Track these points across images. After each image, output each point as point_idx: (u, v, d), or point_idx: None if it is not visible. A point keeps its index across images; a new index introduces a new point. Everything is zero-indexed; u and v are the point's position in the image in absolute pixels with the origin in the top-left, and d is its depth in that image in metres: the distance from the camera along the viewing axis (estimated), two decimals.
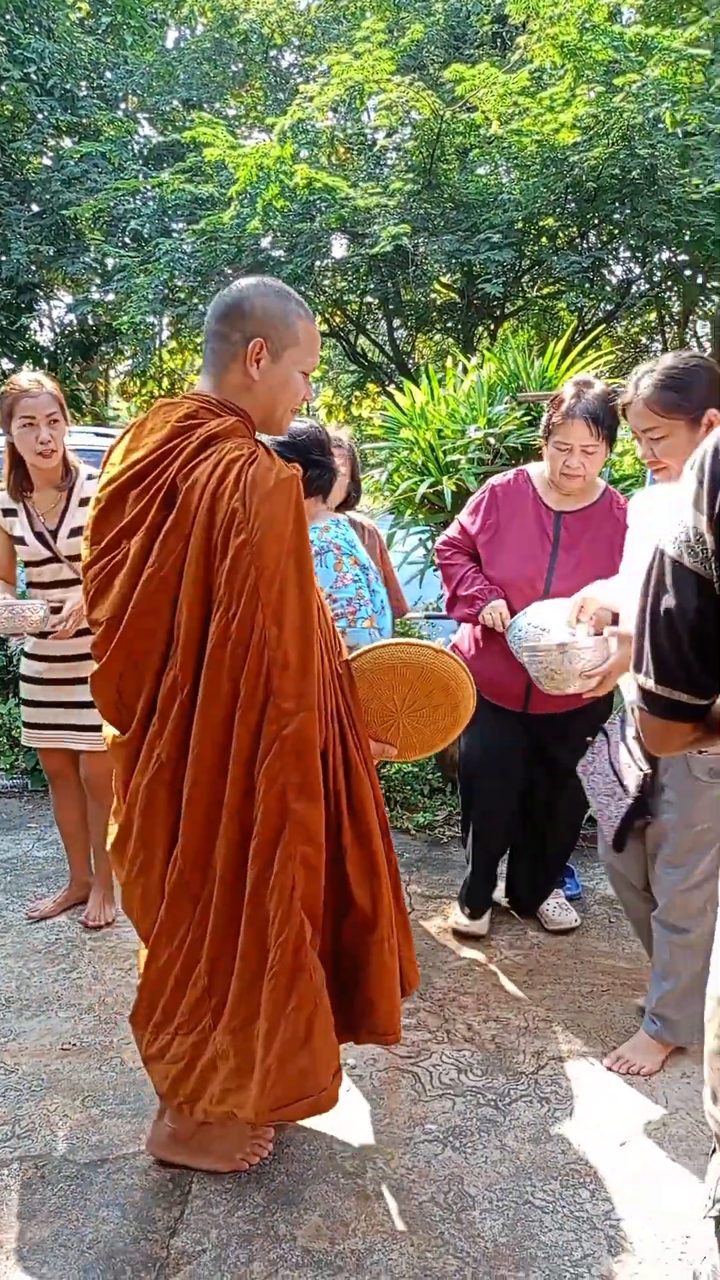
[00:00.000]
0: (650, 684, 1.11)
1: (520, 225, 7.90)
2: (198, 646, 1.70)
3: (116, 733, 1.84)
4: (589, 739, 2.50)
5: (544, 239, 8.61)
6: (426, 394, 4.44)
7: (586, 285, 8.93)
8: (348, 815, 1.84)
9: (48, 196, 10.75)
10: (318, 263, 9.05)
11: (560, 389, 2.72)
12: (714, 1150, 1.13)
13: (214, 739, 1.70)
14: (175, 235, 9.03)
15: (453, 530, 2.96)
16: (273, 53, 12.54)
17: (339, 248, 9.46)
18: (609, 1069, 2.39)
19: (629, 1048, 2.43)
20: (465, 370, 4.65)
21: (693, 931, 2.32)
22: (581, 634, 2.30)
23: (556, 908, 3.15)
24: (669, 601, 1.05)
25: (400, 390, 4.60)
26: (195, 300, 9.47)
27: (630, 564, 2.39)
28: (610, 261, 10.00)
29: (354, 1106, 2.25)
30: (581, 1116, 2.23)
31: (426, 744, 2.11)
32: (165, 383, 16.59)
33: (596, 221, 8.40)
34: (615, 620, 2.36)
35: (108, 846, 1.91)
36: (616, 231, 8.52)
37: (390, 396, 4.77)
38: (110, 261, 10.35)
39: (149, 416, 1.84)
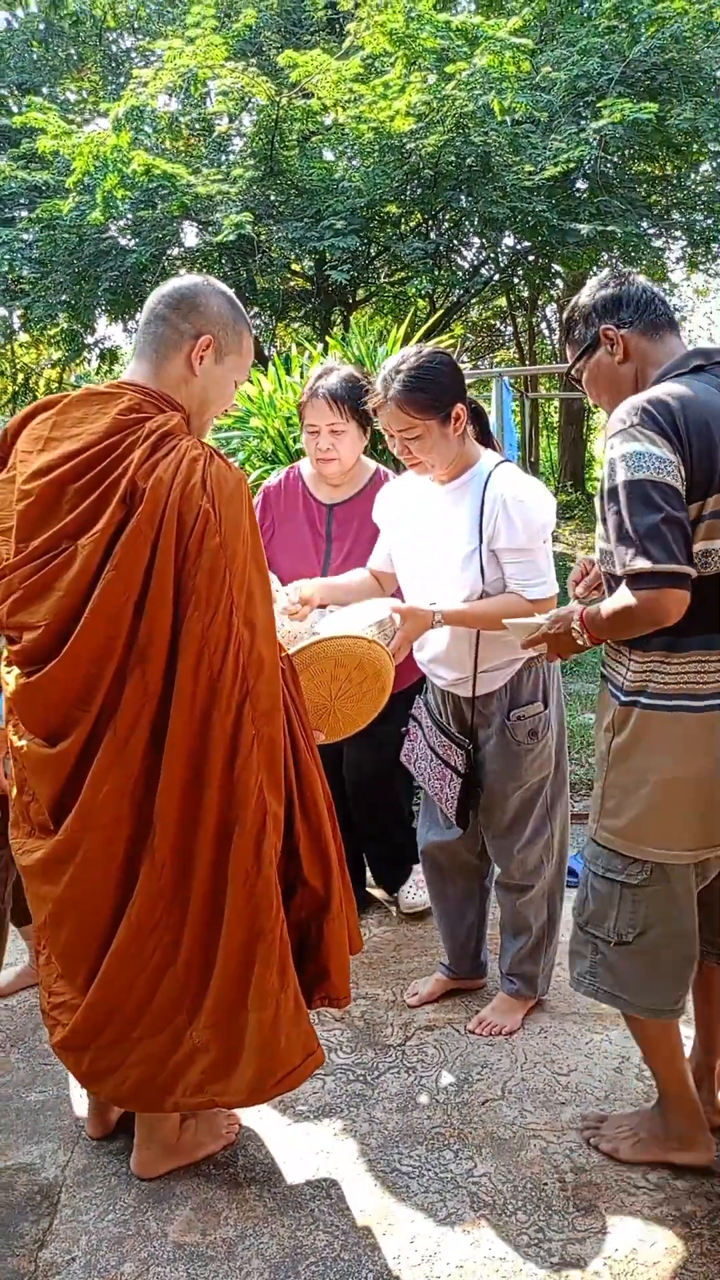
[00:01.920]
0: (650, 565, 1.59)
1: (363, 212, 7.96)
2: (169, 650, 1.66)
3: (42, 747, 1.73)
4: (403, 729, 2.57)
5: (389, 226, 8.71)
6: (274, 382, 4.44)
7: (435, 271, 9.10)
8: (299, 807, 1.87)
9: None
10: (168, 251, 8.91)
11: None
12: None
13: (192, 742, 1.69)
14: (16, 225, 8.73)
15: None
16: (109, 36, 12.23)
17: (192, 236, 9.33)
18: (471, 1032, 2.48)
19: (490, 1010, 2.52)
20: (311, 357, 4.67)
21: (534, 886, 2.43)
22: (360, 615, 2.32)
23: (409, 889, 3.14)
24: (662, 505, 1.61)
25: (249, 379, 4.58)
26: (40, 291, 9.18)
27: (389, 549, 2.47)
28: (460, 248, 10.22)
29: None
30: (446, 1081, 2.30)
31: (351, 725, 2.24)
32: (19, 378, 16.03)
33: (438, 208, 8.55)
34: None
35: (30, 864, 1.80)
36: (459, 218, 8.69)
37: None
38: None
39: (72, 404, 1.76)
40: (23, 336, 14.49)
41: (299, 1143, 2.12)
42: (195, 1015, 1.79)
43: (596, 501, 1.84)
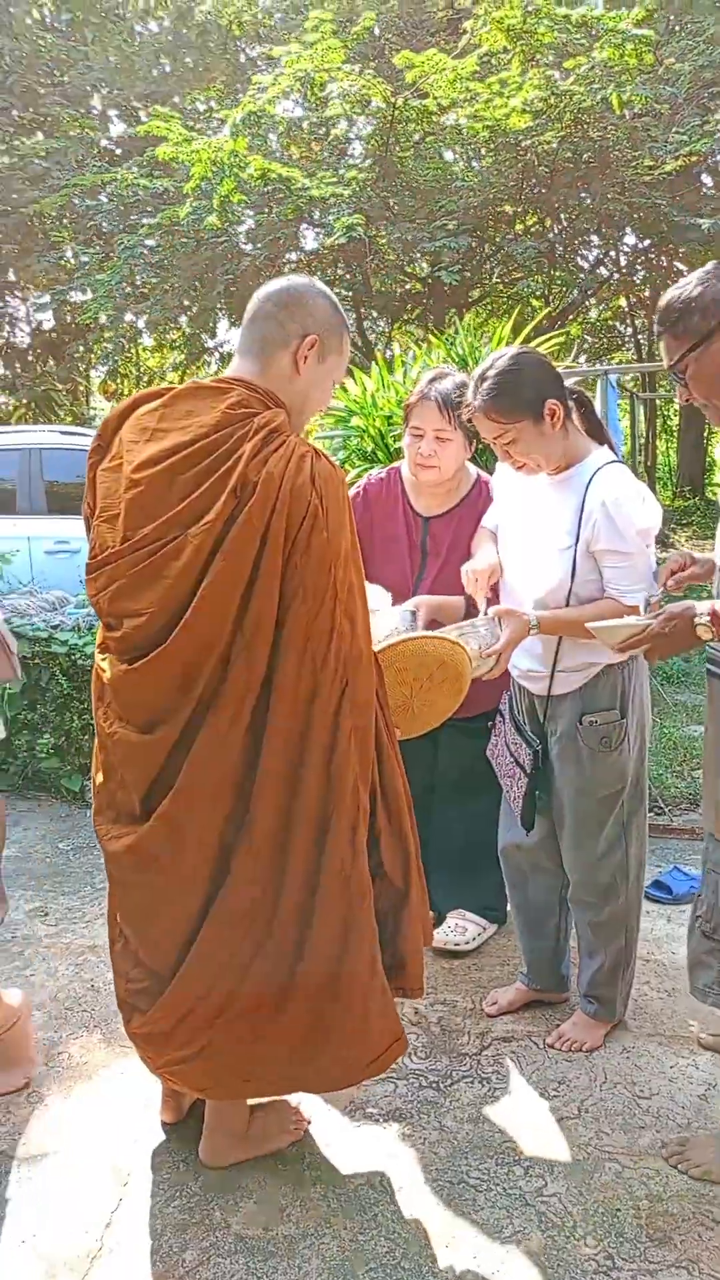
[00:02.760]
0: None
1: (477, 211, 7.88)
2: (273, 641, 1.69)
3: (137, 734, 1.76)
4: (490, 723, 2.51)
5: (502, 225, 8.60)
6: (377, 381, 4.44)
7: (550, 271, 8.94)
8: (381, 801, 1.89)
9: (13, 195, 10.69)
10: (286, 255, 9.03)
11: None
12: None
13: (293, 731, 1.72)
14: (139, 232, 8.99)
15: None
16: (233, 45, 12.48)
17: (311, 239, 9.44)
18: (550, 1046, 2.42)
19: (570, 1025, 2.45)
20: (415, 357, 4.65)
21: (606, 907, 2.35)
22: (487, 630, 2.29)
23: (449, 928, 2.90)
24: None
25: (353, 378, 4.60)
26: (159, 294, 9.43)
27: (497, 525, 2.41)
28: (579, 246, 10.01)
29: (297, 1095, 2.26)
30: (520, 1095, 2.25)
31: (427, 723, 2.25)
32: (145, 382, 16.53)
33: (554, 206, 8.40)
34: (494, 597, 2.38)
35: (118, 850, 1.81)
36: (574, 216, 8.52)
37: (343, 387, 4.77)
38: (75, 261, 10.33)
39: (179, 397, 1.81)
40: (147, 341, 14.93)
41: (367, 1145, 2.10)
42: (284, 1002, 1.79)
43: None
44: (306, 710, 1.72)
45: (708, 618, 1.76)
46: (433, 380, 2.68)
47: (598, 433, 2.30)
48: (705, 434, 17.22)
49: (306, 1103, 2.21)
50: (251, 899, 1.76)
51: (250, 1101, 2.06)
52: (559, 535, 2.18)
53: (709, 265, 1.88)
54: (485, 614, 2.26)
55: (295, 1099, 2.17)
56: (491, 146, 7.43)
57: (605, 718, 2.25)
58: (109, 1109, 2.24)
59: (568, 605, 2.20)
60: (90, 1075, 2.36)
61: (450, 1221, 1.89)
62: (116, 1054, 2.43)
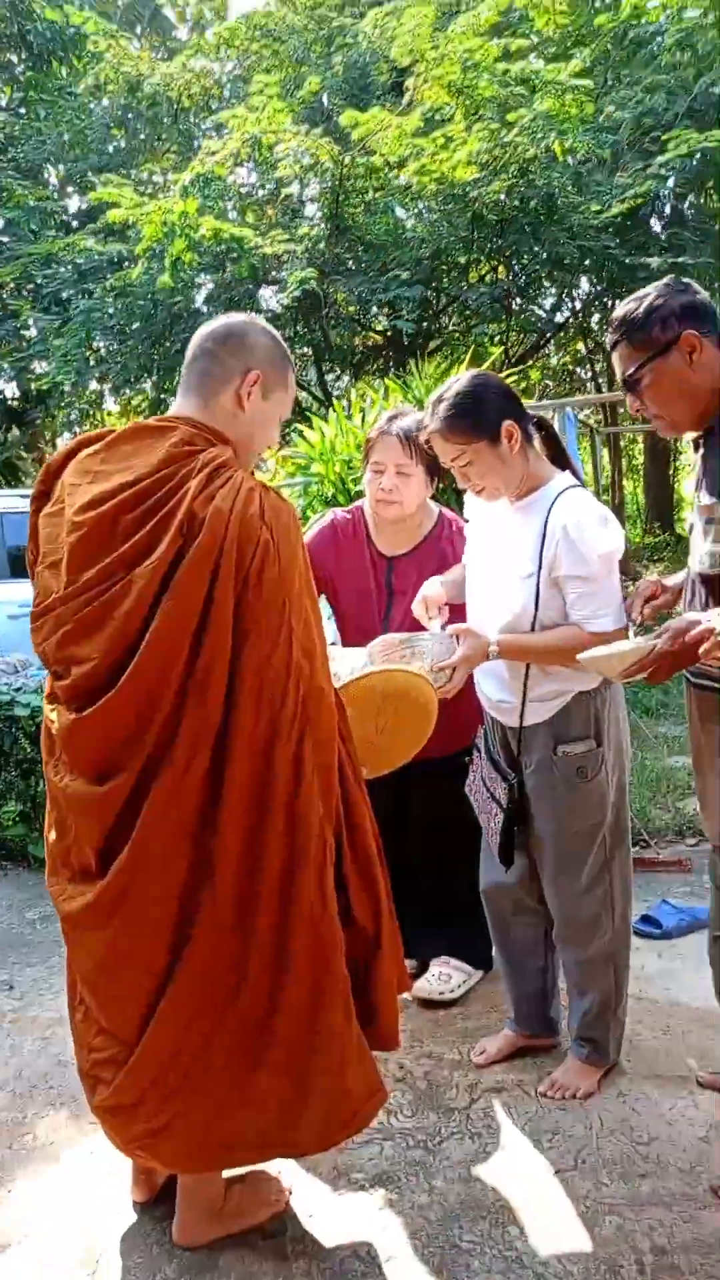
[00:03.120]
0: None
1: (429, 262, 8.02)
2: (228, 681, 1.63)
3: (89, 786, 1.68)
4: (467, 758, 2.44)
5: (455, 274, 8.75)
6: (335, 427, 4.45)
7: (505, 318, 9.09)
8: (348, 842, 1.82)
9: None
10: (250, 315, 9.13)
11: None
12: None
13: (252, 772, 1.65)
14: (96, 297, 9.07)
15: None
16: (184, 117, 12.77)
17: (268, 297, 9.57)
18: (543, 1095, 2.31)
19: (562, 1072, 2.34)
20: (371, 403, 4.67)
21: (591, 944, 2.26)
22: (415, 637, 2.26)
23: (431, 976, 2.80)
24: None
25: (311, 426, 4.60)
26: (119, 358, 9.50)
27: (474, 558, 2.36)
28: (532, 293, 10.21)
29: (279, 1161, 2.13)
30: (513, 1149, 2.13)
31: (392, 762, 2.22)
32: None
33: (505, 254, 8.57)
34: (454, 616, 2.34)
35: (75, 910, 1.72)
36: (526, 262, 8.69)
37: (302, 435, 4.77)
38: (35, 329, 10.41)
39: (122, 438, 1.77)
40: (112, 405, 15.01)
41: (353, 1214, 1.97)
42: (259, 1062, 1.70)
43: (700, 503, 1.76)
44: (266, 751, 1.65)
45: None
46: (392, 418, 2.66)
47: (560, 459, 2.27)
48: (671, 471, 17.47)
49: (287, 1171, 2.08)
50: (218, 953, 1.67)
51: (225, 1174, 1.93)
52: (522, 562, 2.14)
53: (666, 279, 1.89)
54: (437, 629, 2.23)
55: (275, 1168, 2.04)
56: (440, 199, 7.58)
57: (580, 747, 2.18)
58: (78, 1191, 2.10)
59: (531, 631, 2.15)
60: (57, 1156, 2.22)
61: None
62: (85, 1131, 2.30)
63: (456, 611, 2.43)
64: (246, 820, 1.66)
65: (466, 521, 2.48)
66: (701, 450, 1.90)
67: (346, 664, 2.24)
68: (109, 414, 16.30)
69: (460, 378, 2.15)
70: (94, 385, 10.93)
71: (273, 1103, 1.73)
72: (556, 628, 2.12)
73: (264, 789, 1.66)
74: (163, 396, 11.97)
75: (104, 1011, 1.76)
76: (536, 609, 2.12)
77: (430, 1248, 1.87)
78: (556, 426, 5.16)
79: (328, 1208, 2.00)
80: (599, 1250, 1.83)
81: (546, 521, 2.10)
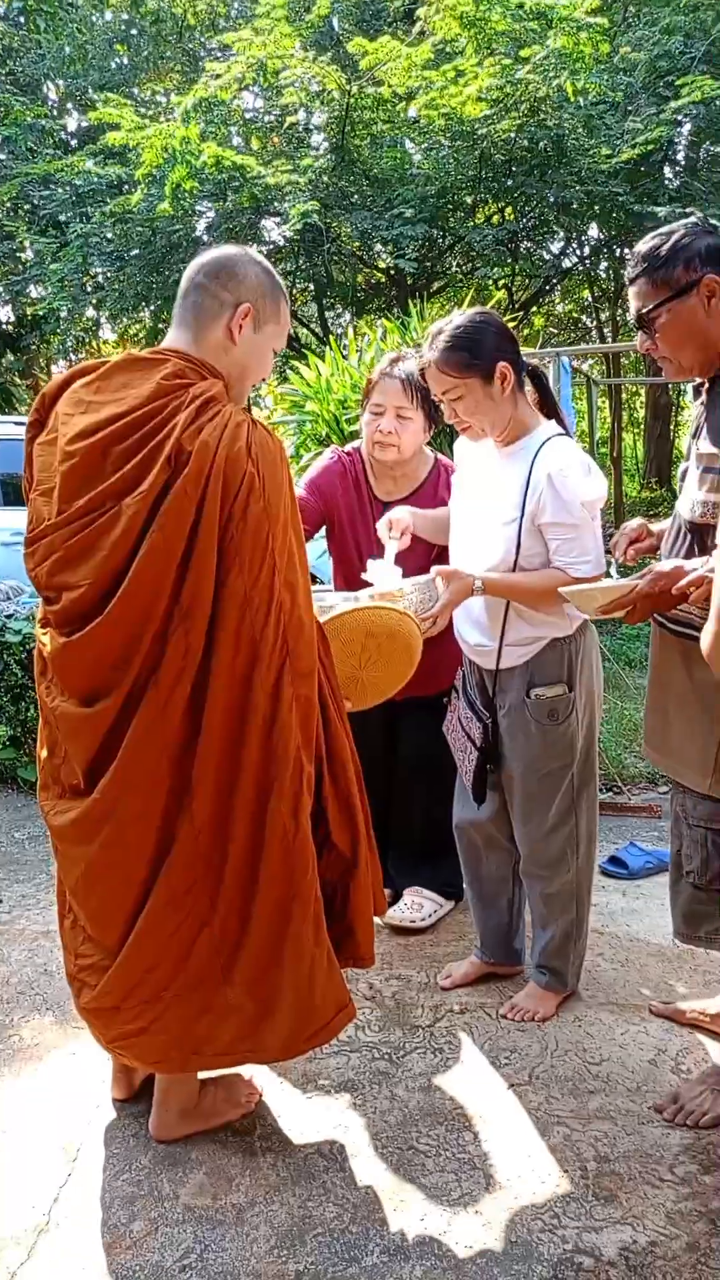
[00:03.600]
0: None
1: (434, 200, 7.89)
2: (211, 610, 1.68)
3: (78, 707, 1.74)
4: (445, 700, 2.52)
5: (461, 214, 8.61)
6: (331, 366, 4.44)
7: (511, 262, 8.98)
8: (328, 770, 1.89)
9: None
10: (246, 246, 8.98)
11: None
12: None
13: (232, 702, 1.71)
14: (94, 222, 8.90)
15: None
16: (189, 35, 12.39)
17: (274, 230, 9.39)
18: (504, 1017, 2.43)
19: (523, 996, 2.47)
20: (369, 341, 4.65)
21: (556, 879, 2.36)
22: (389, 573, 2.29)
23: (404, 904, 2.92)
24: None
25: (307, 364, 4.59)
26: (118, 286, 9.35)
27: (459, 502, 2.41)
28: (537, 236, 10.06)
29: (250, 1068, 2.26)
30: (472, 1064, 2.26)
31: (378, 694, 2.26)
32: None
33: (512, 195, 8.43)
34: (436, 557, 2.40)
35: (62, 824, 1.80)
36: (532, 205, 8.56)
37: (298, 372, 4.76)
38: (31, 252, 10.21)
39: (114, 369, 1.79)
40: (108, 334, 14.79)
41: (318, 1116, 2.10)
42: (229, 974, 1.81)
43: (698, 450, 1.80)
44: (245, 681, 1.72)
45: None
46: (395, 360, 2.68)
47: (550, 409, 2.31)
48: (673, 425, 17.37)
49: (258, 1075, 2.21)
50: (194, 871, 1.76)
51: (201, 1075, 2.05)
52: (505, 508, 2.19)
53: (691, 219, 1.87)
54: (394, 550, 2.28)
55: (247, 1071, 2.17)
56: (448, 135, 7.44)
57: (552, 691, 2.26)
58: (60, 1089, 2.22)
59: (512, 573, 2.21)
60: (41, 1056, 2.34)
61: (399, 1186, 1.89)
62: (68, 1035, 2.42)
63: (430, 551, 2.49)
64: (223, 746, 1.73)
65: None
66: (704, 398, 1.91)
67: (331, 603, 2.30)
68: (105, 341, 16.06)
69: (462, 312, 2.17)
70: (90, 312, 10.78)
71: (243, 1012, 1.84)
72: (538, 570, 2.18)
73: (241, 717, 1.72)
74: (160, 325, 11.80)
75: (90, 921, 1.86)
76: (518, 555, 2.18)
77: (389, 1148, 2.00)
78: (552, 375, 5.18)
79: (295, 1110, 2.13)
80: (546, 1157, 1.96)
81: (531, 469, 2.15)
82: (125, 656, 1.70)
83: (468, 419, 2.17)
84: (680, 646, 1.96)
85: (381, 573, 2.28)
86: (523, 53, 6.77)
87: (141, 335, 12.84)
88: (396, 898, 2.98)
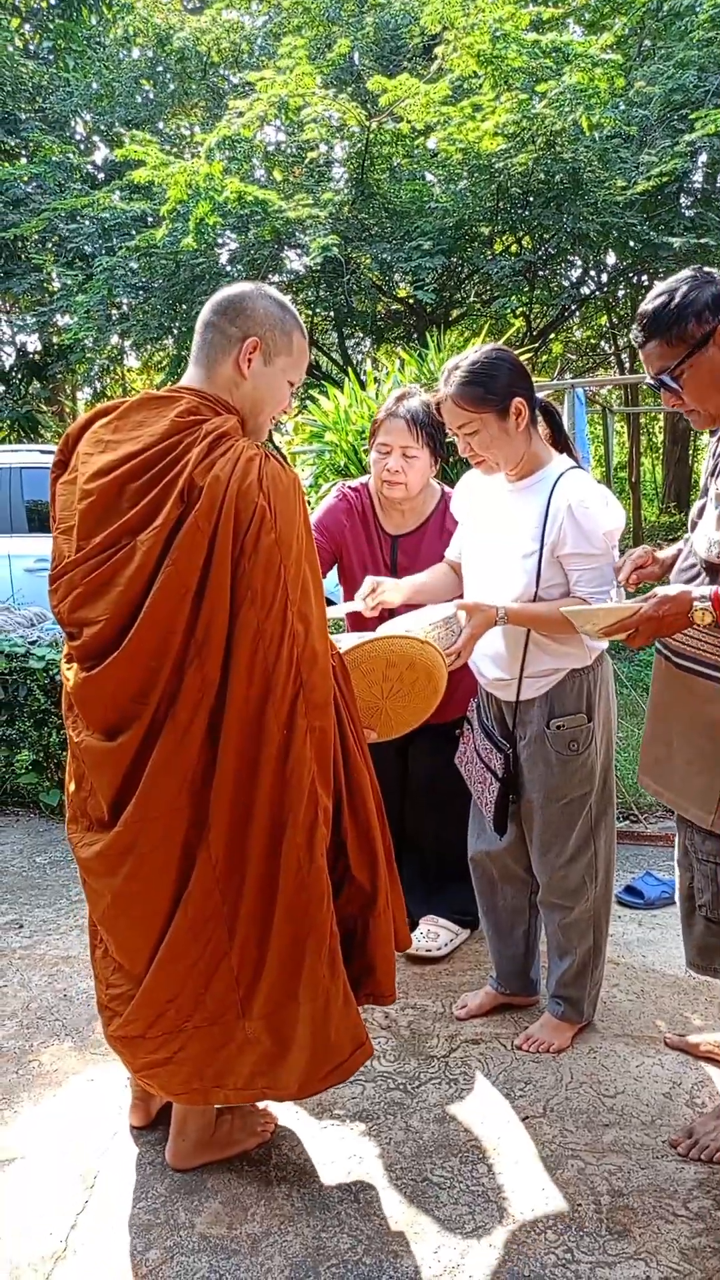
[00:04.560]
0: None
1: (452, 232, 8.00)
2: (225, 643, 1.71)
3: (102, 739, 1.78)
4: (458, 731, 2.54)
5: (479, 245, 8.72)
6: (350, 397, 4.51)
7: (528, 290, 9.06)
8: (347, 803, 1.90)
9: None
10: (267, 277, 9.14)
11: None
12: None
13: (246, 733, 1.73)
14: (118, 254, 9.07)
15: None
16: (213, 72, 12.63)
17: (295, 260, 9.54)
18: (519, 1048, 2.44)
19: (538, 1027, 2.47)
20: (387, 373, 4.72)
21: (575, 908, 2.37)
22: (424, 615, 2.30)
23: (420, 933, 2.93)
24: None
25: (326, 395, 4.66)
26: (140, 315, 9.51)
27: (472, 537, 2.44)
28: (552, 265, 10.16)
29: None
30: (486, 1095, 2.27)
31: (405, 724, 2.25)
32: None
33: (527, 226, 8.54)
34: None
35: (89, 857, 1.84)
36: (548, 235, 8.65)
37: (316, 403, 4.83)
38: (58, 283, 10.42)
39: (132, 408, 1.83)
40: (132, 362, 15.00)
41: (332, 1146, 2.12)
42: (248, 1007, 1.82)
43: (717, 489, 1.83)
44: (259, 712, 1.73)
45: (709, 602, 1.78)
46: (400, 399, 2.72)
47: (562, 444, 2.35)
48: (691, 451, 17.37)
49: (274, 1105, 2.22)
50: (212, 903, 1.78)
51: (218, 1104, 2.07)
52: (523, 541, 2.23)
53: (686, 272, 1.90)
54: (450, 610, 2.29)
55: (263, 1101, 2.18)
56: (466, 169, 7.55)
57: (572, 721, 2.29)
58: (78, 1115, 2.25)
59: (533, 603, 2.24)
60: (60, 1082, 2.37)
61: (413, 1218, 1.90)
62: (87, 1061, 2.44)
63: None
64: (238, 777, 1.74)
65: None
66: None
67: (354, 636, 2.33)
68: (129, 370, 16.29)
69: (479, 349, 2.22)
70: (114, 340, 10.95)
71: (260, 1047, 1.85)
72: (561, 600, 2.21)
73: (256, 748, 1.74)
74: (183, 354, 11.97)
75: (118, 950, 1.89)
76: (538, 586, 2.21)
77: (404, 1180, 2.01)
78: (566, 406, 5.22)
79: (311, 1140, 2.14)
80: (560, 1190, 1.97)
81: (549, 501, 2.18)
82: (143, 690, 1.73)
83: (482, 453, 2.21)
84: (686, 682, 1.98)
85: (407, 619, 2.29)
86: (538, 88, 6.88)
87: (165, 363, 13.02)
88: (412, 926, 2.99)
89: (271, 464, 1.75)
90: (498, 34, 6.80)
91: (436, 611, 2.28)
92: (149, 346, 12.00)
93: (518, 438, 2.20)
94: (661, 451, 18.50)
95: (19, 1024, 2.62)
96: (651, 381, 1.93)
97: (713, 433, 2.02)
